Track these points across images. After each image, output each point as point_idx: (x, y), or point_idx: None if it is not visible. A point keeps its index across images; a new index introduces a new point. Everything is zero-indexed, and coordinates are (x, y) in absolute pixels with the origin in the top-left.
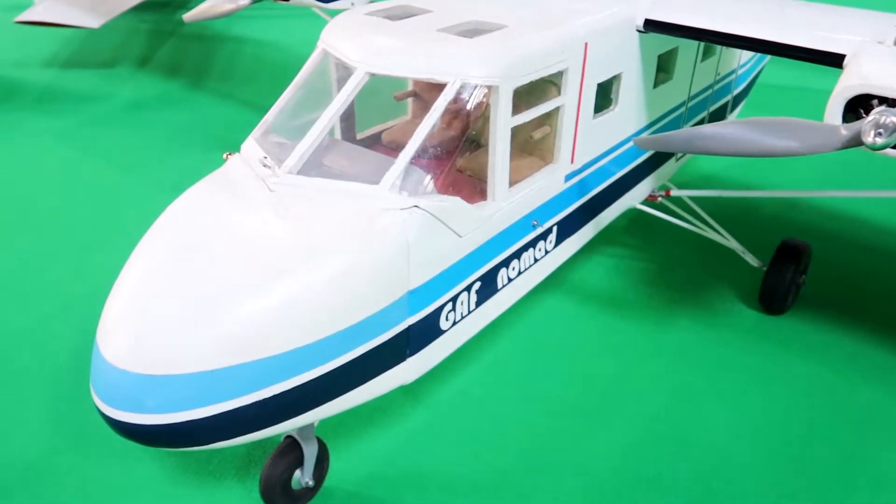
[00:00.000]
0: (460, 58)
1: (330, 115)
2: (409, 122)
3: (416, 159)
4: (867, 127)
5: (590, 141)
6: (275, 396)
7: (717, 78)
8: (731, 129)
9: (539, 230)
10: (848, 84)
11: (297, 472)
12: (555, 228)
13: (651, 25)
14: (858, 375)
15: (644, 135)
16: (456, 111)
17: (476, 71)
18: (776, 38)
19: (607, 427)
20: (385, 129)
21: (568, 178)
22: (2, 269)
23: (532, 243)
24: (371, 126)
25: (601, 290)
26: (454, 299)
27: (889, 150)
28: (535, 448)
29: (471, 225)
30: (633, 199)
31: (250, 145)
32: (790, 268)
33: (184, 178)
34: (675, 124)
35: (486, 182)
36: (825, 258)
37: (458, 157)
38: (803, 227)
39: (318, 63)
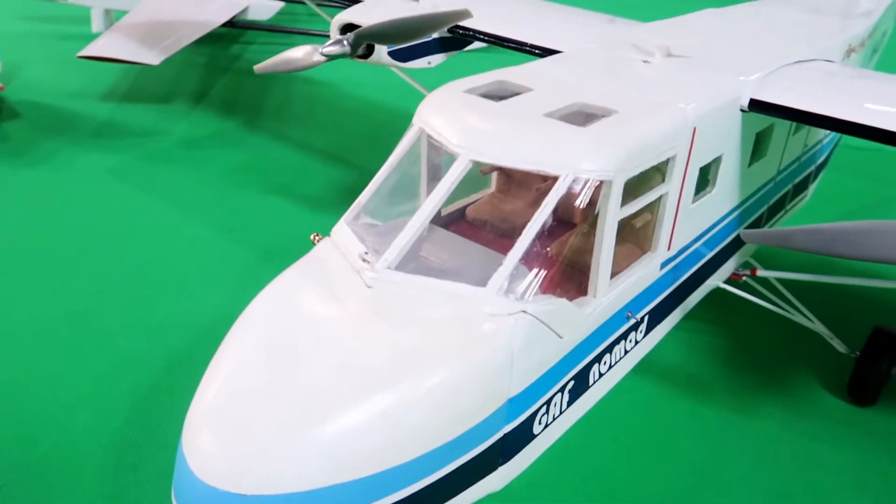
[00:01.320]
0: (574, 150)
1: (433, 205)
2: (493, 197)
3: (528, 258)
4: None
5: (688, 226)
6: None
7: (805, 149)
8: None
9: (632, 321)
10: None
11: None
12: (646, 318)
13: (756, 106)
14: None
15: (750, 229)
16: (565, 206)
17: (590, 165)
18: (882, 124)
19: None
20: (469, 205)
21: (663, 265)
22: (53, 314)
23: (624, 335)
24: (453, 200)
25: (678, 368)
26: (548, 402)
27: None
28: None
29: (574, 325)
30: (719, 278)
31: (342, 230)
32: (885, 357)
33: (240, 221)
34: (764, 200)
35: (587, 276)
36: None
37: (564, 254)
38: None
39: (415, 142)
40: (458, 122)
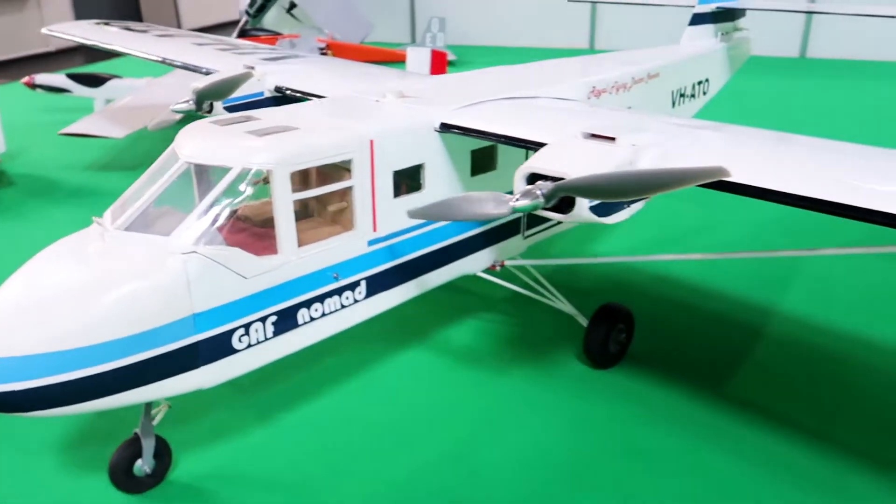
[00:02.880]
0: (245, 150)
1: (152, 192)
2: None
3: (202, 219)
4: (518, 196)
5: (395, 215)
6: (81, 379)
7: None
8: (454, 202)
9: (342, 282)
10: (524, 166)
11: (139, 462)
12: (363, 283)
13: (444, 127)
14: (652, 418)
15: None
16: (244, 187)
17: (255, 159)
18: (522, 135)
19: (414, 446)
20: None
21: (371, 242)
22: None
23: (337, 292)
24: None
25: (461, 345)
26: (247, 326)
27: (548, 213)
28: (349, 461)
29: (257, 271)
30: (471, 267)
31: (107, 212)
32: (603, 325)
33: None
34: None
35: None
36: (655, 318)
37: (243, 220)
38: (639, 291)
39: (166, 156)
40: (188, 138)
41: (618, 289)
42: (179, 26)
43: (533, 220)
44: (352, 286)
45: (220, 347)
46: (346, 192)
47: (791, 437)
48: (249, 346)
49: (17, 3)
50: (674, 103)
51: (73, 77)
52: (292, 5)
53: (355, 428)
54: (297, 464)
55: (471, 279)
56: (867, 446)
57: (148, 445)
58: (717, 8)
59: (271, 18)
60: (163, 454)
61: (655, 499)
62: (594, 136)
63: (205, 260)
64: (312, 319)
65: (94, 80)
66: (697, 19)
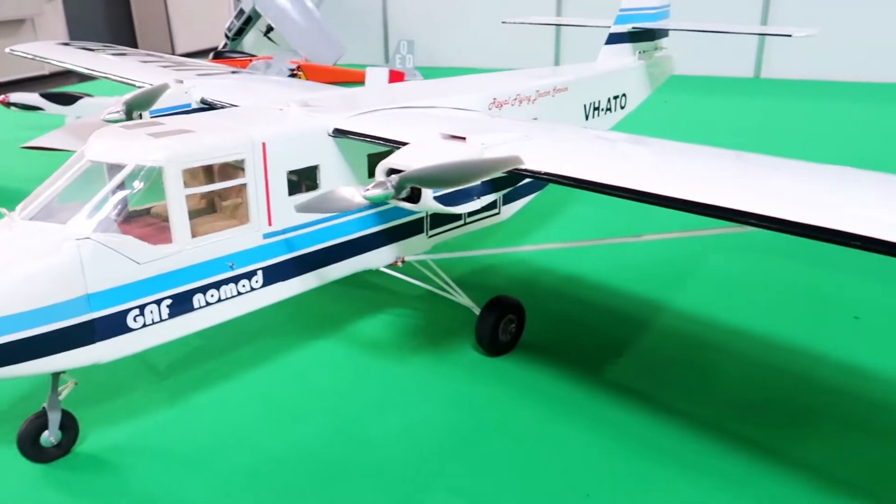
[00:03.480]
0: (138, 149)
1: (56, 186)
2: None
3: (97, 210)
4: (371, 187)
5: (291, 212)
6: None
7: None
8: (326, 195)
9: (238, 271)
10: (382, 162)
11: (45, 433)
12: (260, 272)
13: (338, 132)
14: (528, 400)
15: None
16: (139, 183)
17: (147, 157)
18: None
19: (306, 422)
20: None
21: (267, 235)
22: None
23: (233, 280)
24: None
25: (367, 336)
26: (141, 308)
27: (401, 202)
28: (244, 435)
29: (151, 257)
30: (373, 262)
31: (18, 206)
32: (491, 316)
33: None
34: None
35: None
36: (547, 311)
37: (139, 211)
38: (535, 285)
39: (76, 156)
40: (94, 140)
41: (515, 283)
42: (173, 50)
43: (436, 220)
44: (248, 275)
45: (115, 325)
46: (242, 189)
47: (669, 421)
48: (145, 325)
49: (13, 27)
50: (587, 116)
51: (46, 96)
52: (269, 29)
53: (256, 407)
54: (195, 437)
55: (380, 275)
56: (721, 420)
57: (54, 418)
58: (633, 28)
59: (250, 41)
60: (69, 427)
61: (516, 466)
62: (451, 136)
63: (98, 245)
64: (209, 304)
65: (67, 99)
66: (613, 39)
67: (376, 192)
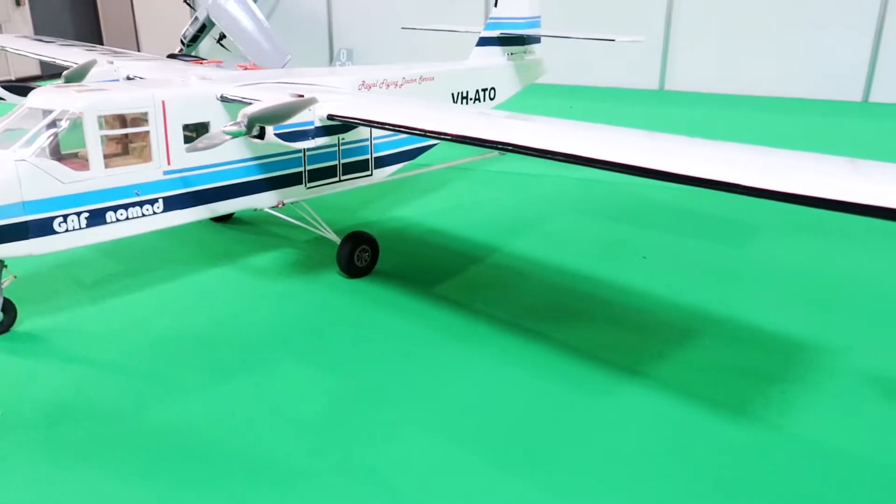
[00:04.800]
0: (65, 100)
1: (3, 125)
2: None
3: (33, 141)
4: (229, 125)
5: (185, 156)
6: None
7: (354, 141)
8: (206, 135)
9: (142, 197)
10: (241, 111)
11: None
12: (161, 201)
13: (223, 98)
14: (371, 306)
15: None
16: (64, 123)
17: (70, 106)
18: (258, 97)
19: (193, 315)
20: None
21: (167, 173)
22: None
23: (139, 203)
24: None
25: (255, 265)
26: (65, 216)
27: (254, 139)
28: (146, 319)
29: (70, 179)
30: (258, 203)
31: None
32: (347, 245)
33: None
34: (295, 163)
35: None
36: (402, 252)
37: (64, 145)
38: (394, 229)
39: (19, 106)
40: (34, 93)
41: (378, 228)
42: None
43: (313, 175)
44: (151, 202)
45: (44, 227)
46: (146, 135)
47: (475, 319)
48: (67, 230)
49: None
50: (455, 102)
51: (6, 87)
52: (222, 36)
53: (157, 307)
54: (109, 323)
55: (268, 216)
56: (512, 318)
57: None
58: (502, 34)
59: (206, 48)
60: (9, 311)
61: (352, 342)
62: (295, 95)
63: (31, 166)
64: (118, 220)
65: (25, 90)
66: (484, 42)
67: (233, 129)
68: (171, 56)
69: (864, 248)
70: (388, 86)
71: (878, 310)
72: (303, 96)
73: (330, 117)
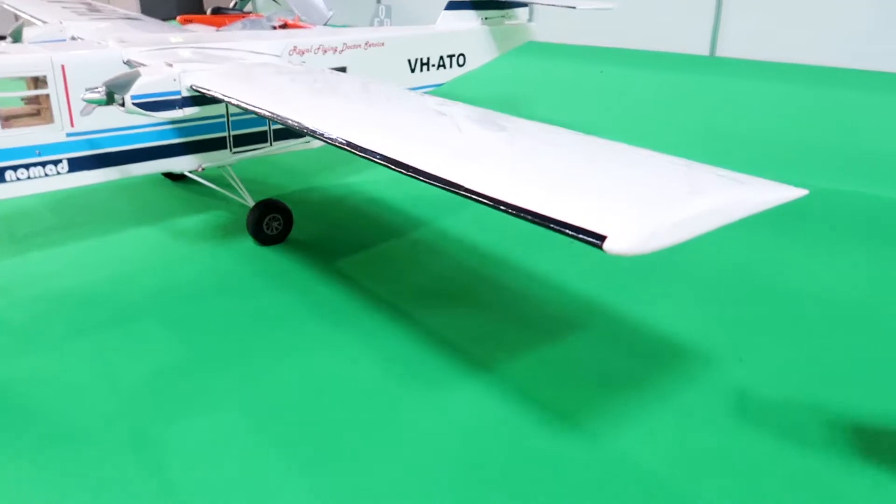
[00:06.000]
0: None
1: None
2: None
3: None
4: (89, 92)
5: (87, 120)
6: None
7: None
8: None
9: (44, 158)
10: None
11: None
12: (65, 161)
13: (128, 62)
14: (265, 273)
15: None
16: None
17: None
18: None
19: (101, 268)
20: None
21: (71, 135)
22: None
23: (41, 164)
24: None
25: (178, 226)
26: None
27: (119, 108)
28: (58, 276)
29: None
30: (176, 166)
31: None
32: (258, 214)
33: None
34: (209, 129)
35: None
36: (329, 215)
37: None
38: (317, 200)
39: None
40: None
41: (315, 193)
42: (202, 8)
43: (238, 140)
44: (54, 162)
45: None
46: (47, 97)
47: (353, 295)
48: None
49: None
50: (412, 69)
51: None
52: None
53: (68, 262)
54: (18, 275)
55: (197, 183)
56: (390, 297)
57: None
58: None
59: (261, 2)
60: None
61: (239, 314)
62: (167, 63)
63: None
64: (19, 179)
65: None
66: (454, 6)
67: (91, 96)
68: (215, 10)
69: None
70: (325, 52)
71: (771, 317)
72: (171, 65)
73: (193, 88)
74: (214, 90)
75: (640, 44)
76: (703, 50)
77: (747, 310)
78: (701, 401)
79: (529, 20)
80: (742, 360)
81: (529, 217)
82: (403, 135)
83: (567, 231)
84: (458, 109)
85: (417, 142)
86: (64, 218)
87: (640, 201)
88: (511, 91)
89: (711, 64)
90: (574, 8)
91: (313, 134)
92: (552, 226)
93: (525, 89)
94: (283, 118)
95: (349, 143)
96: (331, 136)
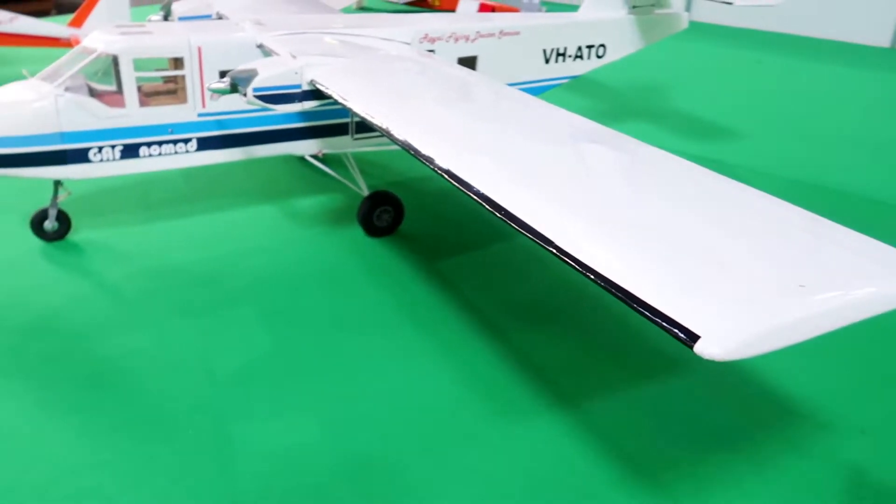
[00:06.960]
0: (107, 42)
1: (57, 63)
2: None
3: (73, 78)
4: (216, 83)
5: (224, 100)
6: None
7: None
8: (209, 87)
9: (176, 136)
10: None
11: (46, 222)
12: (194, 140)
13: (261, 47)
14: (367, 267)
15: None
16: (102, 64)
17: (110, 47)
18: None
19: (219, 244)
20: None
21: (202, 115)
22: None
23: (172, 142)
24: None
25: (293, 208)
26: (100, 148)
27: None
28: (180, 248)
29: (105, 115)
30: (297, 150)
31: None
32: (368, 203)
33: None
34: (332, 114)
35: (125, 98)
36: (436, 215)
37: (103, 84)
38: (431, 193)
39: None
40: (92, 33)
41: (412, 188)
42: None
43: (361, 127)
44: (185, 140)
45: (80, 156)
46: (182, 78)
47: (453, 304)
48: (102, 160)
49: None
50: (547, 60)
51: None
52: None
53: (187, 235)
54: (139, 244)
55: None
56: (491, 312)
57: (52, 213)
58: None
59: None
60: (63, 221)
61: (329, 300)
62: (290, 55)
63: (69, 100)
64: (151, 155)
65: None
66: None
67: (218, 86)
68: None
69: None
70: (457, 40)
71: None
72: (295, 57)
73: (311, 83)
74: (333, 90)
75: (808, 29)
76: (884, 41)
77: (879, 372)
78: (809, 474)
79: (687, 9)
80: (864, 431)
81: (630, 304)
82: (537, 188)
83: (660, 321)
84: (595, 148)
85: (547, 196)
86: (195, 187)
87: (745, 297)
88: (653, 77)
89: (893, 58)
90: (730, 3)
91: (437, 170)
92: (645, 312)
93: (669, 76)
94: (404, 142)
95: (483, 198)
96: (465, 183)
